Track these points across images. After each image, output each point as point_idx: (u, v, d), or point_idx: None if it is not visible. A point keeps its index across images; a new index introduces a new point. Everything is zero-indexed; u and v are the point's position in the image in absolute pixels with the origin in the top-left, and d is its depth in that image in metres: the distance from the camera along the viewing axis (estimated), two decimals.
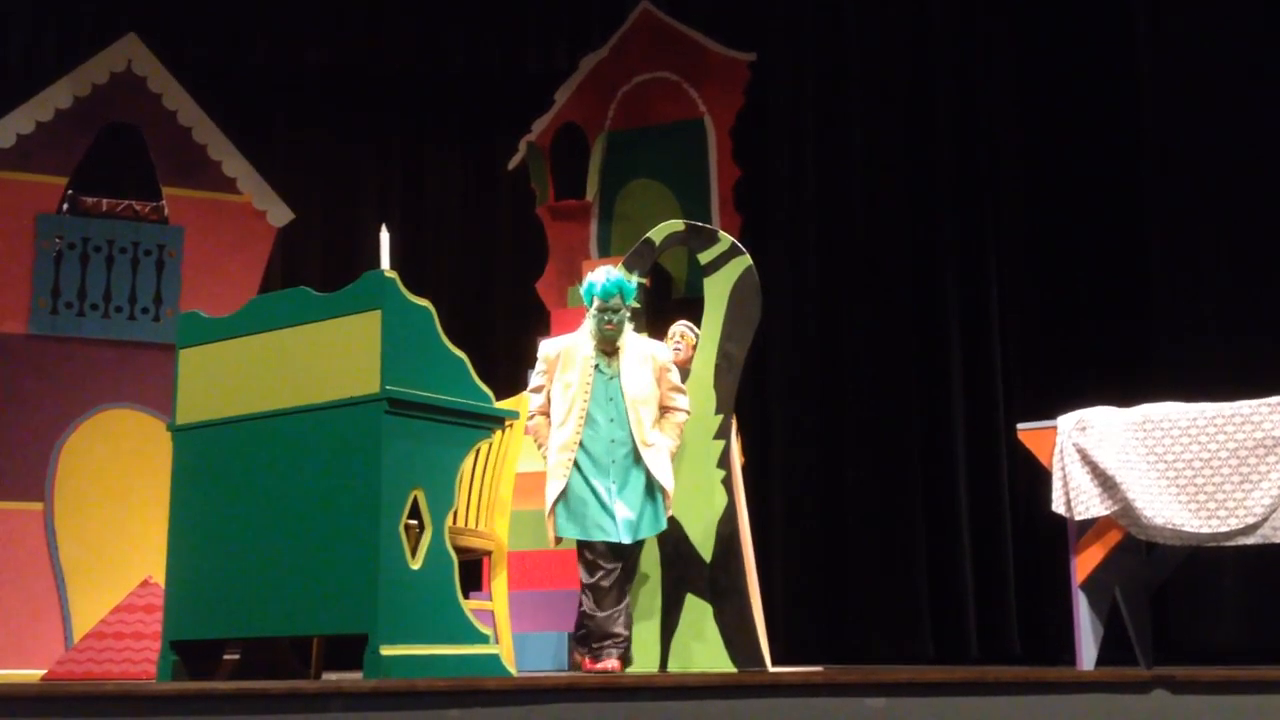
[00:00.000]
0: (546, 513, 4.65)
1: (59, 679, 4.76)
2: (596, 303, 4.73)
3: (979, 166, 7.01)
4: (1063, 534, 4.64)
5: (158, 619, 4.78)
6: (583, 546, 4.65)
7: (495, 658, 3.59)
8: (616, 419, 4.63)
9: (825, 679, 3.00)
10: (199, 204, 7.10)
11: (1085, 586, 4.49)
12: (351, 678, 3.22)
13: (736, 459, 4.99)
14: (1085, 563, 4.49)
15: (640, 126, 7.60)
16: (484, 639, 3.58)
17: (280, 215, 7.21)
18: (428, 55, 7.97)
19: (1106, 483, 4.41)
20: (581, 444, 4.61)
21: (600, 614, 4.54)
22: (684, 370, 4.97)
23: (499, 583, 4.41)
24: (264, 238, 7.15)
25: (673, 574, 4.83)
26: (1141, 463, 4.38)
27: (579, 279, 7.30)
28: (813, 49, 7.51)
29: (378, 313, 3.49)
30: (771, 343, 7.05)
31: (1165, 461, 4.35)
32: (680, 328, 5.31)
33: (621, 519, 4.56)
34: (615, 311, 4.64)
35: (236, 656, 4.29)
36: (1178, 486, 4.32)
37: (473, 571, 4.84)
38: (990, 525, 6.64)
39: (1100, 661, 4.51)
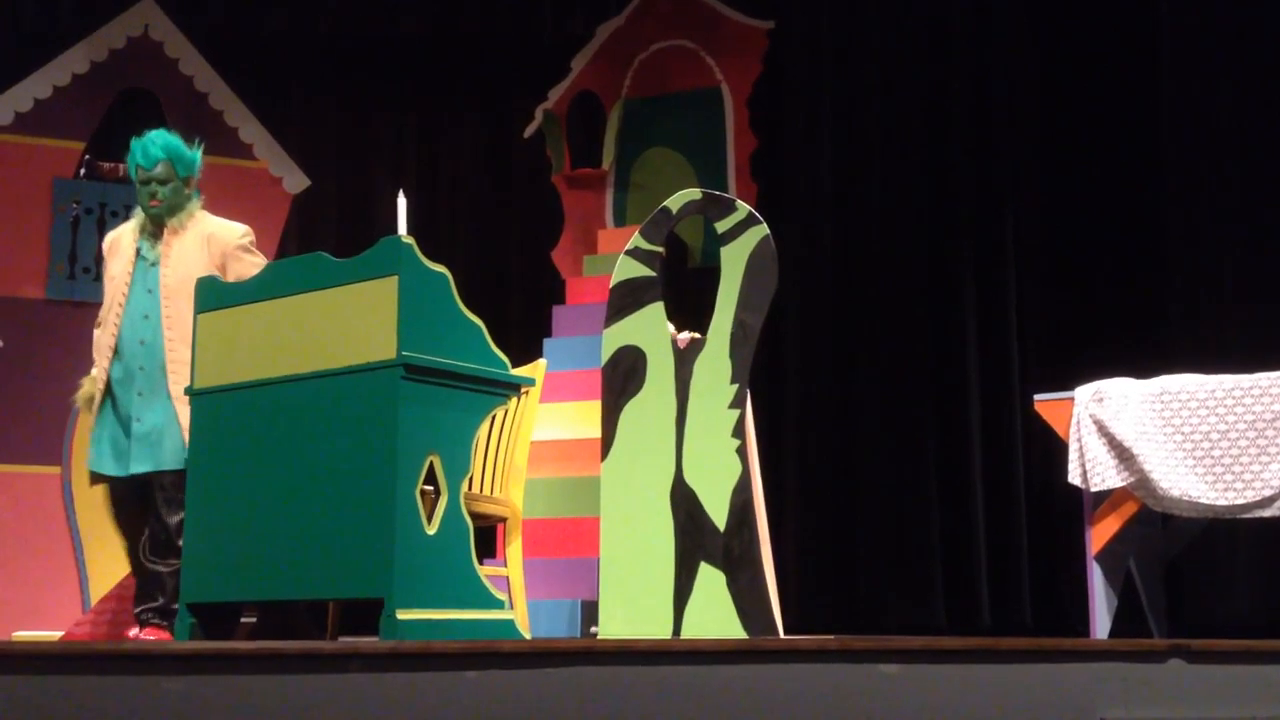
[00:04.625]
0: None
1: (77, 640, 4.79)
2: (139, 172, 3.96)
3: (996, 137, 6.97)
4: (1078, 505, 4.65)
5: None
6: None
7: (510, 623, 3.61)
8: (152, 315, 3.90)
9: (839, 645, 3.01)
10: (215, 170, 7.02)
11: (1100, 558, 4.50)
12: (368, 641, 3.24)
13: (752, 428, 4.98)
14: (1100, 534, 4.49)
15: (657, 95, 7.56)
16: (499, 604, 3.60)
17: (296, 182, 7.21)
18: (444, 22, 7.93)
19: (1123, 454, 4.41)
20: (116, 347, 3.90)
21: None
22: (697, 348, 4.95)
23: (514, 549, 4.42)
24: (280, 204, 7.14)
25: (686, 542, 4.83)
26: (1159, 434, 4.37)
27: (594, 248, 7.34)
28: (830, 17, 7.46)
29: (394, 278, 3.49)
30: (786, 312, 7.03)
31: (1182, 433, 4.35)
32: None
33: (133, 439, 3.93)
34: (164, 183, 3.89)
35: (253, 620, 4.33)
36: (1194, 459, 4.31)
37: (487, 538, 4.87)
38: (1004, 496, 6.63)
39: (1113, 634, 4.52)
